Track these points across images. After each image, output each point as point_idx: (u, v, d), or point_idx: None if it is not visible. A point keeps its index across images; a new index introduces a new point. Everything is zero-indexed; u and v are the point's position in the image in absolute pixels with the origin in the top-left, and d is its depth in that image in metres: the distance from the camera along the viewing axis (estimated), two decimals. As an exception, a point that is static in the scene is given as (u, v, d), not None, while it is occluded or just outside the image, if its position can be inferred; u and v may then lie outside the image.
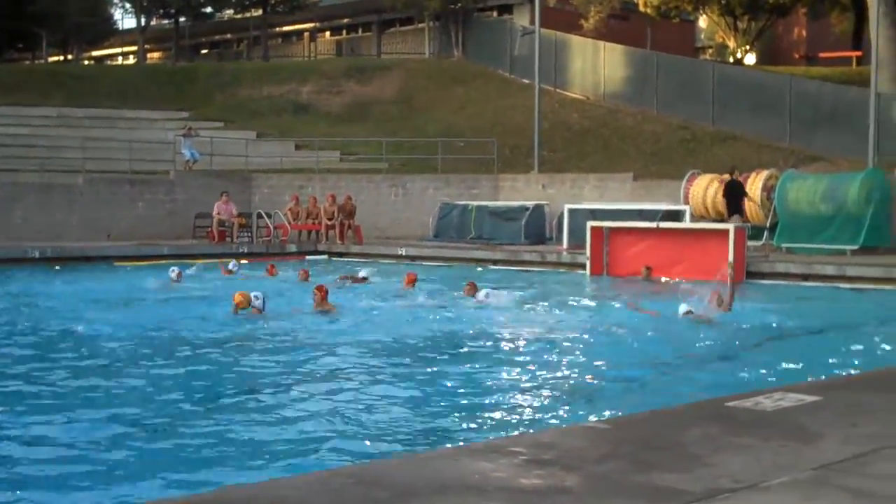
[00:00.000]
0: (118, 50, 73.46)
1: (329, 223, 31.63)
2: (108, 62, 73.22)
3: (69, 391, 10.84)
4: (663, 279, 22.85)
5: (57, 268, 25.29)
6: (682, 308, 16.73)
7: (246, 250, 29.61)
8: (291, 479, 5.59)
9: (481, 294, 18.68)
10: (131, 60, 69.29)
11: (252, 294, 16.65)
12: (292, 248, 30.76)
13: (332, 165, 37.65)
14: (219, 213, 30.77)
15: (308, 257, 29.24)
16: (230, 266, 24.49)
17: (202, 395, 10.65)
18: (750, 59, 53.63)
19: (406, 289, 20.92)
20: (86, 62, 70.93)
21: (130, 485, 7.37)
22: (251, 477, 7.36)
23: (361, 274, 22.89)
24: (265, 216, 31.69)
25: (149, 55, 66.86)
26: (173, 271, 22.03)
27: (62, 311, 17.65)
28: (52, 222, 30.42)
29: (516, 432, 8.91)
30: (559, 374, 12.28)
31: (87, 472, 7.70)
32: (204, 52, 69.45)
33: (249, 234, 31.51)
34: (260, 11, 61.60)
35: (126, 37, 70.24)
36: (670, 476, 5.15)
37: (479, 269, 26.90)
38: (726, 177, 26.72)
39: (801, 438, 5.99)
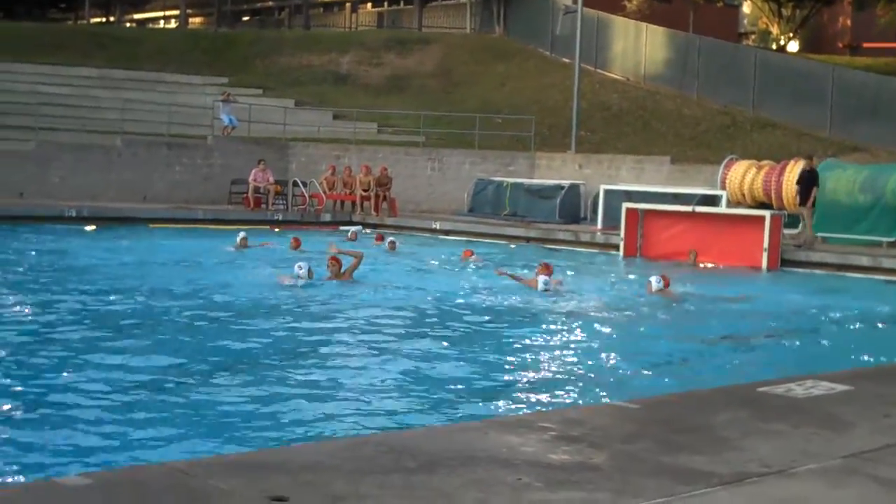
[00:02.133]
0: (160, 14, 73.68)
1: (364, 194, 31.66)
2: (150, 25, 73.45)
3: (108, 348, 10.95)
4: (709, 265, 22.73)
5: (88, 228, 25.41)
6: (654, 284, 16.78)
7: (280, 218, 29.71)
8: (323, 444, 5.65)
9: (541, 282, 16.99)
10: (172, 24, 69.47)
11: (296, 264, 16.84)
12: (327, 217, 30.79)
13: (370, 137, 37.63)
14: (255, 181, 30.84)
15: (342, 227, 29.27)
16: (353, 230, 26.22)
17: (237, 360, 10.73)
18: (793, 46, 53.19)
19: (464, 260, 21.66)
20: (128, 24, 71.24)
21: (164, 444, 7.45)
22: (283, 441, 7.42)
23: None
24: (301, 185, 31.74)
25: (190, 20, 66.96)
26: (240, 236, 22.49)
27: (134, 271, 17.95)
28: (89, 183, 30.55)
29: (545, 408, 8.94)
30: (590, 352, 12.31)
31: (120, 431, 7.79)
32: (245, 18, 69.55)
33: (285, 202, 31.59)
34: (303, -20, 61.64)
35: (168, 0, 70.44)
36: (698, 458, 5.17)
37: (513, 246, 26.90)
38: (798, 163, 26.27)
39: (831, 426, 5.99)
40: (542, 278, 17.02)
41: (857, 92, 34.43)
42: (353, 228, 26.92)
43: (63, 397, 8.73)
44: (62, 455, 7.14)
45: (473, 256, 21.98)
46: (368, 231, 27.86)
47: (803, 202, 24.25)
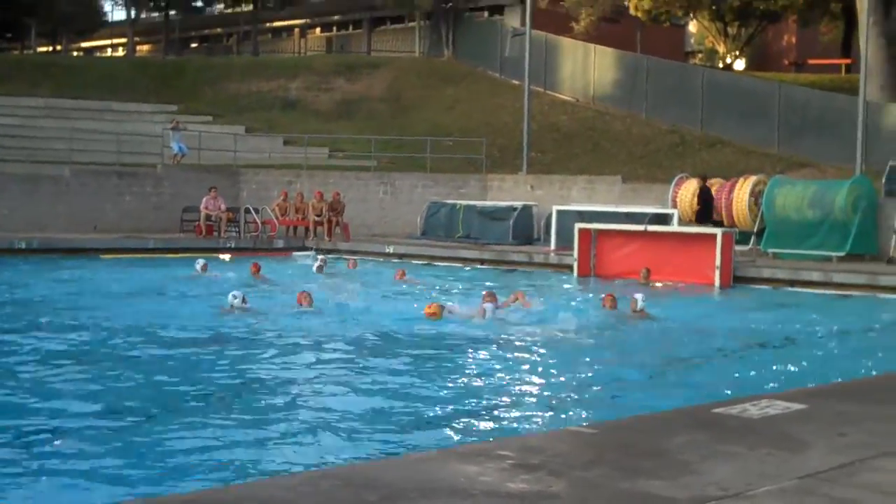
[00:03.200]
0: (107, 42, 73.29)
1: (317, 219, 31.59)
2: (98, 54, 72.99)
3: (55, 382, 10.81)
4: (660, 283, 22.85)
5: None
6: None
7: (233, 245, 29.56)
8: (280, 479, 5.60)
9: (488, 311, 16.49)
10: (120, 53, 69.10)
11: (230, 293, 16.62)
12: (280, 243, 30.67)
13: (321, 162, 37.57)
14: (206, 208, 30.68)
15: (295, 253, 29.18)
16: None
17: (191, 394, 10.62)
18: (739, 64, 53.75)
19: (398, 280, 21.96)
20: (75, 53, 70.73)
21: (118, 483, 7.36)
22: (240, 477, 7.35)
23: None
24: (253, 211, 31.61)
25: (138, 48, 66.67)
26: (199, 263, 22.40)
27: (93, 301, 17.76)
28: (39, 214, 30.27)
29: (503, 435, 8.92)
30: (546, 376, 12.30)
31: (73, 470, 7.68)
32: (193, 45, 69.31)
33: (237, 230, 31.43)
34: (250, 6, 61.59)
35: (115, 29, 70.10)
36: (656, 483, 5.16)
37: (467, 268, 26.91)
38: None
39: (787, 447, 6.01)
40: (488, 306, 16.52)
41: (802, 108, 34.86)
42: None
43: (10, 438, 8.57)
44: (13, 499, 7.02)
45: (406, 277, 22.10)
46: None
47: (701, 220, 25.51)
